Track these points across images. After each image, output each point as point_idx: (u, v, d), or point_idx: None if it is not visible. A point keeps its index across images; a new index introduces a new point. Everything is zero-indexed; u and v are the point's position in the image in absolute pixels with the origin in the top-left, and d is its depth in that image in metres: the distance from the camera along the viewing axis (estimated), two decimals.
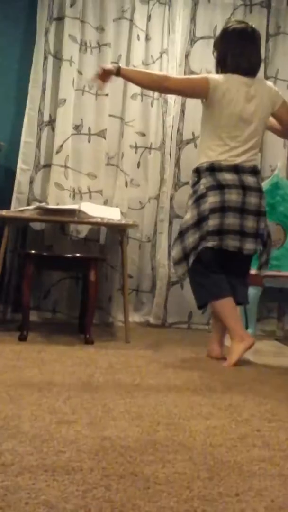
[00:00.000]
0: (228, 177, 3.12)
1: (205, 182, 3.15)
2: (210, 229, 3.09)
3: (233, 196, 3.10)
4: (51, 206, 4.01)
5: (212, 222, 3.09)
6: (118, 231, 3.92)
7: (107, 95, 4.44)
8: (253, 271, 3.39)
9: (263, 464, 1.55)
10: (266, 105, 3.21)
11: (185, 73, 4.51)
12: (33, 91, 4.39)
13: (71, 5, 4.41)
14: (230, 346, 3.10)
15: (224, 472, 1.48)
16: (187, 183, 4.16)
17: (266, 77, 4.52)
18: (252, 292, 3.66)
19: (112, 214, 3.82)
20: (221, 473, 1.47)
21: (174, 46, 4.56)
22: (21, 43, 4.51)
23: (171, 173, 4.52)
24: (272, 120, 3.33)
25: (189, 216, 3.19)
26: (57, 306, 4.40)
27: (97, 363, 2.87)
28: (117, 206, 4.27)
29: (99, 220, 3.72)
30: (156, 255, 4.53)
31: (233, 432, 1.84)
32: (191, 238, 3.16)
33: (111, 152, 4.51)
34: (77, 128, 4.47)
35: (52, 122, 4.42)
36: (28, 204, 4.24)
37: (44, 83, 4.40)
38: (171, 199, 4.52)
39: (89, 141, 4.48)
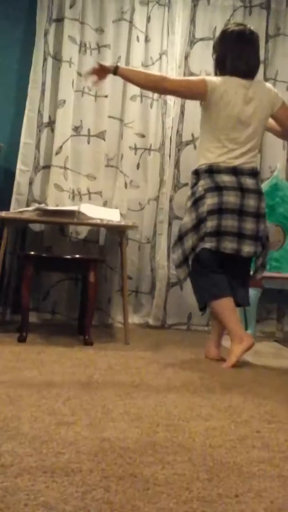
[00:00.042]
0: (226, 179, 3.12)
1: (203, 184, 3.16)
2: (207, 231, 3.10)
3: (231, 198, 3.10)
4: (51, 207, 4.01)
5: (210, 224, 3.09)
6: (117, 233, 3.92)
7: (106, 96, 4.44)
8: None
9: (262, 466, 1.55)
10: (265, 107, 3.21)
11: (184, 75, 4.51)
12: (33, 92, 4.39)
13: (71, 7, 4.42)
14: (229, 347, 3.10)
15: (223, 473, 1.48)
16: (186, 184, 4.16)
17: (266, 79, 4.53)
18: (252, 293, 3.66)
19: (112, 216, 3.82)
20: (220, 474, 1.47)
21: (174, 48, 4.56)
22: (21, 44, 4.51)
23: (171, 174, 4.52)
24: (272, 121, 3.33)
25: (188, 219, 3.20)
26: (56, 308, 4.39)
27: (97, 364, 2.87)
28: (116, 208, 4.28)
29: (98, 221, 3.72)
30: (155, 256, 4.53)
31: (233, 433, 1.83)
32: (190, 241, 3.17)
33: (110, 154, 4.51)
34: (76, 129, 4.47)
35: (51, 123, 4.42)
36: (28, 205, 4.25)
37: (43, 84, 4.41)
38: (171, 200, 4.52)
39: (88, 143, 4.48)
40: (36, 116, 4.40)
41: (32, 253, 3.72)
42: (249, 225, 3.12)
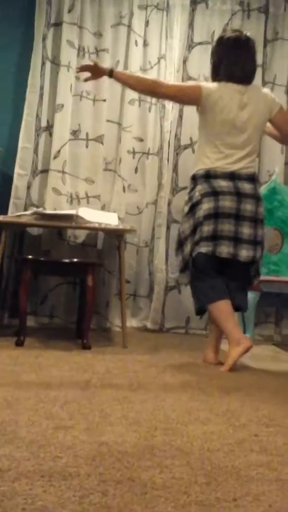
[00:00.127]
0: (223, 183, 3.13)
1: (200, 189, 3.17)
2: (204, 235, 3.10)
3: (226, 203, 3.11)
4: (49, 211, 4.00)
5: (206, 228, 3.10)
6: (115, 236, 3.92)
7: (104, 100, 4.45)
8: None
9: (260, 469, 1.55)
10: (262, 112, 3.22)
11: (183, 79, 4.52)
12: (31, 96, 4.39)
13: (69, 11, 4.42)
14: (227, 351, 3.09)
15: (221, 477, 1.48)
16: (184, 188, 4.15)
17: (264, 82, 4.55)
18: (250, 297, 3.65)
19: (110, 219, 3.82)
20: (218, 478, 1.46)
21: (172, 52, 4.57)
22: (19, 48, 4.51)
23: (169, 178, 4.53)
24: (271, 126, 3.34)
25: (186, 225, 3.22)
26: (54, 311, 4.39)
27: (95, 368, 2.86)
28: (114, 211, 4.28)
29: (96, 225, 3.72)
30: (153, 260, 4.53)
31: (231, 437, 1.83)
32: (189, 246, 3.18)
33: (108, 158, 4.52)
34: (74, 133, 4.47)
35: (49, 128, 4.42)
36: (25, 209, 4.24)
37: (41, 88, 4.41)
38: (169, 204, 4.52)
39: (86, 147, 4.48)
40: (34, 120, 4.40)
41: (30, 257, 3.72)
42: (246, 230, 3.12)
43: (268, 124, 3.31)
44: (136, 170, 4.55)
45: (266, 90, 3.42)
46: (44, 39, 4.43)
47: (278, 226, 4.30)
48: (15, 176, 4.34)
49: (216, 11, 4.60)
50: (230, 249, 3.10)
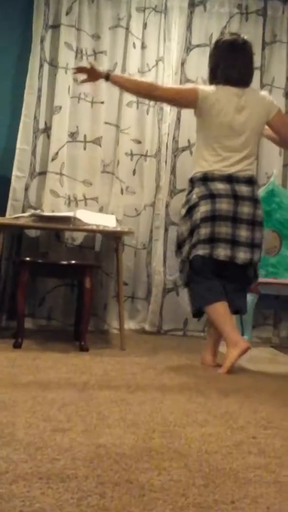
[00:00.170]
0: (220, 186, 3.13)
1: (197, 191, 3.17)
2: (201, 238, 3.11)
3: (223, 205, 3.11)
4: (46, 213, 4.00)
5: (204, 231, 3.10)
6: (113, 238, 3.92)
7: (102, 102, 4.45)
8: None
9: (258, 471, 1.55)
10: (260, 114, 3.22)
11: (181, 81, 4.52)
12: (29, 98, 4.39)
13: (67, 13, 4.42)
14: (225, 352, 3.09)
15: (219, 479, 1.47)
16: (182, 190, 4.17)
17: (262, 85, 4.55)
18: (248, 299, 3.65)
19: (108, 221, 3.82)
20: (216, 480, 1.46)
21: (170, 54, 4.57)
22: (17, 50, 4.51)
23: (167, 180, 4.53)
24: (269, 129, 3.34)
25: (184, 228, 3.23)
26: (52, 313, 4.38)
27: (92, 370, 2.86)
28: (112, 213, 4.27)
29: (94, 227, 3.72)
30: (151, 262, 4.53)
31: (229, 439, 1.83)
32: (186, 248, 3.19)
33: (106, 160, 4.51)
34: (72, 135, 4.47)
35: (47, 130, 4.42)
36: (23, 211, 4.24)
37: (39, 90, 4.41)
38: (167, 206, 4.52)
39: (84, 149, 4.48)
40: (32, 122, 4.40)
41: (28, 259, 3.71)
42: (243, 232, 3.12)
43: (267, 127, 3.32)
44: (134, 172, 4.55)
45: (264, 93, 3.43)
46: (42, 41, 4.43)
47: (277, 228, 4.31)
48: (13, 178, 4.34)
49: (214, 14, 4.61)
50: (228, 251, 3.11)
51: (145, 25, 4.56)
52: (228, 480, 1.47)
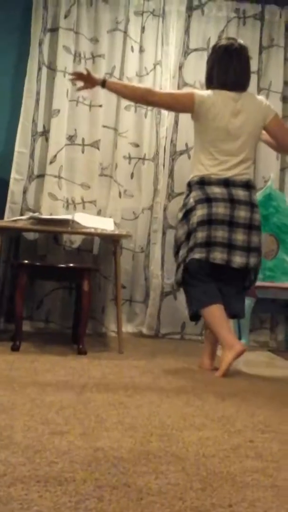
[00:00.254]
0: (216, 190, 3.14)
1: (194, 195, 3.18)
2: (198, 241, 3.12)
3: (220, 209, 3.12)
4: (45, 216, 4.00)
5: (200, 235, 3.11)
6: (111, 242, 3.92)
7: (100, 106, 4.45)
8: None
9: (256, 475, 1.55)
10: (256, 119, 3.23)
11: (178, 85, 4.54)
12: (27, 101, 4.39)
13: (65, 17, 4.43)
14: (221, 355, 3.10)
15: (217, 483, 1.48)
16: (180, 193, 4.18)
17: (259, 89, 4.56)
18: (246, 303, 3.66)
19: (106, 225, 3.83)
20: (214, 484, 1.47)
21: (168, 58, 4.58)
22: (15, 53, 4.52)
23: (165, 183, 4.53)
24: (267, 135, 3.35)
25: (181, 232, 3.24)
26: (50, 316, 4.39)
27: (90, 373, 2.86)
28: (110, 217, 4.28)
29: (92, 230, 3.73)
30: (149, 265, 4.53)
31: (226, 443, 1.83)
32: (183, 252, 3.20)
33: (104, 163, 4.52)
34: (70, 138, 4.48)
35: (46, 133, 4.43)
36: (22, 214, 4.24)
37: (38, 93, 4.42)
38: (165, 209, 4.53)
39: (82, 152, 4.49)
40: (30, 125, 4.40)
41: (26, 261, 3.72)
42: (240, 236, 3.13)
43: (264, 132, 3.33)
44: (132, 176, 4.56)
45: (261, 97, 3.44)
46: (40, 44, 4.44)
47: (274, 232, 4.32)
48: (11, 181, 4.34)
49: (212, 18, 4.62)
50: (224, 255, 3.11)
51: (143, 29, 4.57)
52: (226, 484, 1.47)
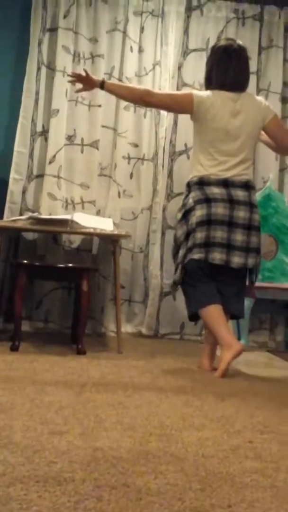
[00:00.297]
0: (215, 191, 3.14)
1: (193, 196, 3.18)
2: (197, 242, 3.12)
3: (219, 210, 3.12)
4: (44, 216, 4.00)
5: (199, 235, 3.11)
6: (110, 242, 3.92)
7: (100, 106, 4.45)
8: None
9: (255, 476, 1.55)
10: (255, 119, 3.23)
11: (177, 85, 4.53)
12: (26, 101, 4.39)
13: (65, 17, 4.43)
14: (219, 355, 3.10)
15: (216, 483, 1.48)
16: (179, 194, 4.18)
17: (259, 90, 4.56)
18: (245, 303, 3.66)
19: (105, 225, 3.83)
20: (213, 485, 1.47)
21: (167, 58, 4.58)
22: (15, 53, 4.52)
23: (164, 184, 4.53)
24: (266, 135, 3.35)
25: (180, 232, 3.24)
26: (49, 316, 4.38)
27: (89, 373, 2.86)
28: (109, 217, 4.28)
29: (91, 230, 3.73)
30: (148, 265, 4.53)
31: (225, 443, 1.83)
32: (182, 252, 3.20)
33: (104, 163, 4.52)
34: (70, 138, 4.47)
35: (45, 132, 4.43)
36: (21, 214, 4.24)
37: (37, 93, 4.41)
38: (164, 210, 4.53)
39: (82, 152, 4.49)
40: (29, 125, 4.40)
41: (25, 261, 3.72)
42: (239, 237, 3.13)
43: (263, 133, 3.33)
44: (131, 176, 4.56)
45: (260, 98, 3.44)
46: (39, 44, 4.43)
47: (273, 233, 4.32)
48: (11, 180, 4.34)
49: (211, 18, 4.62)
50: (223, 255, 3.12)
51: (142, 29, 4.57)
52: (225, 484, 1.47)
